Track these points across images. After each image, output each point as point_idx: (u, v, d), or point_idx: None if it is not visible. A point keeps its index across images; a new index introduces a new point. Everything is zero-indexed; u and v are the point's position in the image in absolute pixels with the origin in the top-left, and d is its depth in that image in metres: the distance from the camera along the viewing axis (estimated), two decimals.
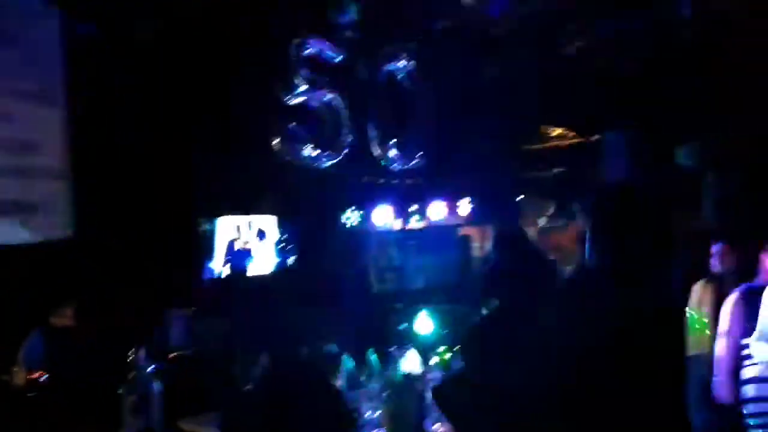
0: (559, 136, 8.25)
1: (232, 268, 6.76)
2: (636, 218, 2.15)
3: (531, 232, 9.24)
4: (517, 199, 9.10)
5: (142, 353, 2.51)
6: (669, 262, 2.29)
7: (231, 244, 6.81)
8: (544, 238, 9.97)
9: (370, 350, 3.15)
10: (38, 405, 3.79)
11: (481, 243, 9.27)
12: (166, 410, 2.60)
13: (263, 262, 7.06)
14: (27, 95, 3.02)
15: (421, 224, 8.63)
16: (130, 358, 2.53)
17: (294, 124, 4.12)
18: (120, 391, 2.50)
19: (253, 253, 6.98)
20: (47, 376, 3.85)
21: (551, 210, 9.72)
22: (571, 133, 8.08)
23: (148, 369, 2.57)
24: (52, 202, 3.06)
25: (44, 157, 3.07)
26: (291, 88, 4.05)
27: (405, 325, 4.48)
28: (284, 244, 7.19)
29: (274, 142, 4.04)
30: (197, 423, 3.51)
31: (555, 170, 9.23)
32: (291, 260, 7.22)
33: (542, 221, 9.82)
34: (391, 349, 3.20)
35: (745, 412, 3.63)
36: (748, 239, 3.92)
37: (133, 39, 3.69)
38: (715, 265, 4.25)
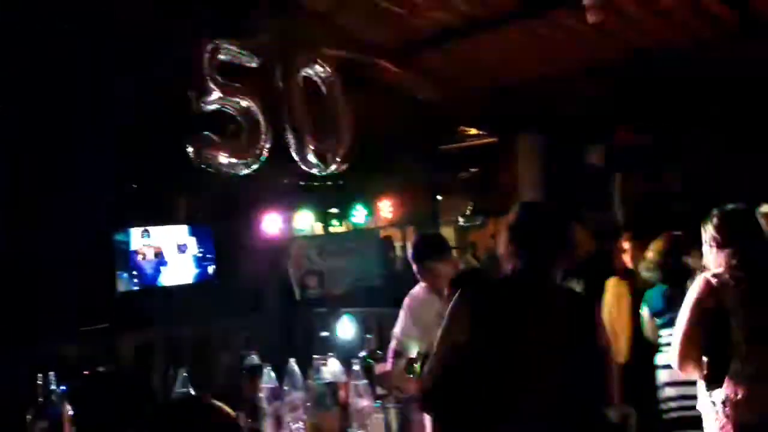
0: (474, 136, 8.40)
1: (147, 279, 6.57)
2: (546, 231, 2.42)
3: (449, 230, 9.41)
4: (437, 198, 9.24)
5: (51, 374, 2.40)
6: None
7: (145, 255, 6.61)
8: (463, 236, 10.17)
9: (292, 360, 3.10)
10: None
11: (401, 243, 9.35)
12: None
13: (180, 272, 6.88)
14: None
15: (342, 228, 8.63)
16: (39, 380, 2.41)
17: (209, 131, 4.03)
18: (27, 416, 2.38)
19: (169, 264, 6.79)
20: None
21: (468, 209, 9.92)
22: (485, 134, 8.25)
23: (59, 391, 2.45)
24: None
25: None
26: (205, 95, 3.96)
27: (327, 332, 4.46)
28: (201, 252, 7.03)
29: (189, 150, 3.93)
30: None
31: (471, 170, 9.40)
32: (209, 269, 7.08)
33: (460, 220, 10.01)
34: (314, 357, 3.17)
35: (662, 396, 3.80)
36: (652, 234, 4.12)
37: (44, 39, 3.53)
38: (627, 260, 4.44)
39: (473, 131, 8.32)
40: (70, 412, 2.43)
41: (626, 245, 4.47)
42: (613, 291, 4.32)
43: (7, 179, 3.92)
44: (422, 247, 3.58)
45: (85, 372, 4.45)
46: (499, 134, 7.88)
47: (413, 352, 3.36)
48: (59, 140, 4.26)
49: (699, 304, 2.98)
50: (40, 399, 2.35)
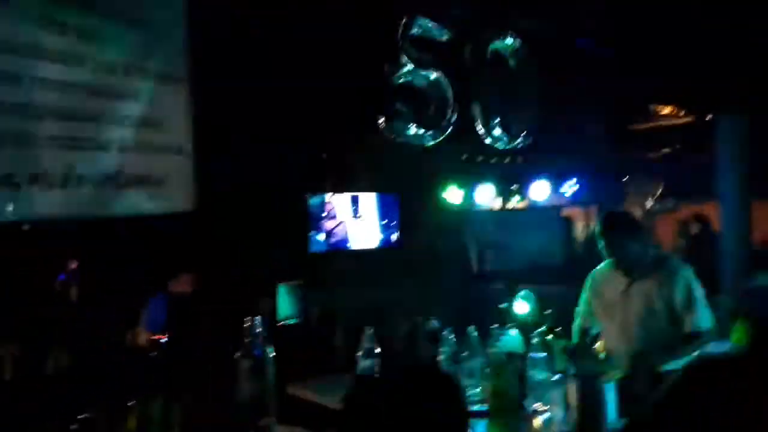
0: (669, 115, 7.95)
1: (335, 242, 6.95)
2: None
3: (637, 213, 9.00)
4: (623, 179, 8.87)
5: (257, 320, 2.65)
6: None
7: (335, 218, 6.99)
8: (650, 219, 9.69)
9: (471, 327, 3.19)
10: (158, 365, 4.07)
11: (584, 224, 9.10)
12: (277, 375, 2.73)
13: (365, 237, 7.21)
14: (153, 74, 3.20)
15: (522, 204, 8.55)
16: (246, 324, 2.67)
17: (399, 103, 4.17)
18: (236, 355, 2.64)
19: (355, 228, 7.14)
20: (167, 337, 4.13)
21: (659, 191, 9.42)
22: (682, 112, 7.77)
23: (262, 335, 2.70)
24: (174, 176, 3.24)
25: (168, 134, 3.25)
26: (397, 68, 4.10)
27: (505, 304, 4.49)
28: (386, 220, 7.30)
29: (379, 121, 4.11)
30: (303, 388, 3.69)
31: (664, 150, 8.91)
32: (392, 236, 7.34)
33: (649, 203, 9.54)
34: (492, 327, 3.23)
35: None
36: None
37: (250, 20, 3.83)
38: None
39: (667, 110, 7.86)
40: (272, 354, 2.66)
41: None
42: None
43: (226, 137, 4.32)
44: (613, 223, 3.53)
45: (279, 323, 4.87)
46: (696, 114, 7.39)
47: (595, 329, 3.32)
48: (269, 109, 4.61)
49: None
50: (247, 340, 2.60)
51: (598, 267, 3.70)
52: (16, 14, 2.62)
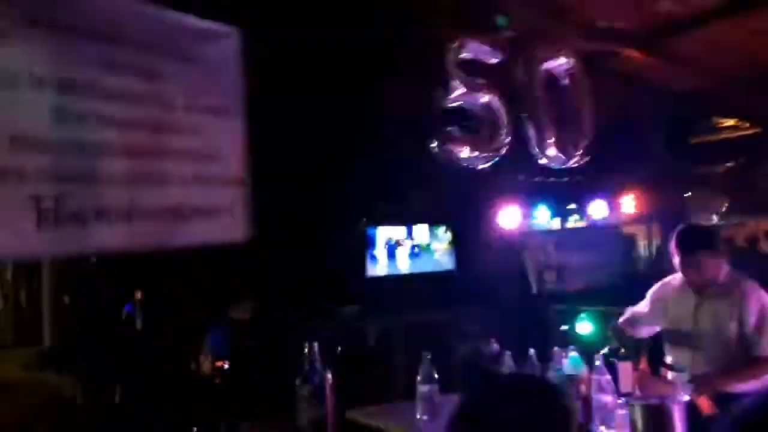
0: (731, 128, 7.73)
1: (393, 266, 6.97)
2: None
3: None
4: (686, 195, 8.63)
5: (315, 347, 2.68)
6: None
7: (391, 245, 7.02)
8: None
9: (531, 350, 3.15)
10: (222, 391, 4.14)
11: (645, 242, 8.88)
12: (336, 401, 2.75)
13: (422, 261, 7.21)
14: (210, 109, 3.28)
15: (581, 223, 8.41)
16: (305, 350, 2.70)
17: (451, 126, 4.18)
18: (296, 381, 2.67)
19: (413, 253, 7.15)
20: (230, 365, 4.20)
21: (723, 207, 9.12)
22: (746, 124, 7.54)
23: (321, 362, 2.73)
24: (231, 207, 3.31)
25: (224, 166, 3.32)
26: (448, 91, 4.12)
27: (566, 326, 4.41)
28: (443, 244, 7.29)
29: (433, 145, 4.12)
30: (364, 414, 3.69)
31: (727, 164, 8.65)
32: (450, 260, 7.31)
33: (714, 218, 9.24)
34: (553, 349, 3.17)
35: None
36: None
37: (301, 53, 3.93)
38: None
39: (729, 122, 7.65)
40: (330, 381, 2.69)
41: None
42: None
43: (282, 168, 4.41)
44: (692, 238, 3.39)
45: (339, 348, 4.88)
46: (761, 125, 7.16)
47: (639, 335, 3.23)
48: (323, 137, 4.70)
49: None
50: (306, 366, 2.63)
51: (666, 279, 3.59)
52: (78, 55, 2.73)
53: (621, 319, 3.63)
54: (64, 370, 4.41)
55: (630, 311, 3.66)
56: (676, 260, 3.38)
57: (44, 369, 4.47)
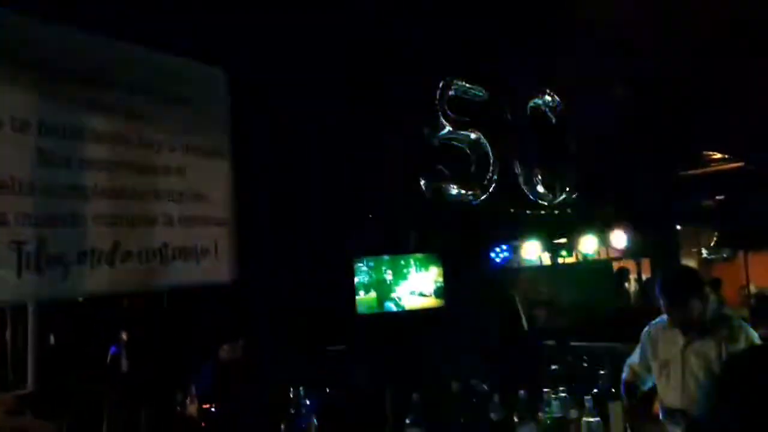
0: (720, 160, 7.78)
1: (380, 307, 6.93)
2: None
3: (690, 263, 8.74)
4: (675, 229, 8.66)
5: (300, 390, 2.64)
6: None
7: (382, 282, 7.00)
8: (706, 270, 9.39)
9: (522, 392, 3.10)
10: None
11: (635, 277, 8.87)
12: None
13: (409, 297, 7.17)
14: (196, 150, 3.29)
15: (571, 258, 8.41)
16: (291, 393, 2.66)
17: (440, 163, 4.20)
18: (281, 426, 2.63)
19: (398, 290, 7.12)
20: (216, 407, 4.12)
21: (713, 240, 9.15)
22: (734, 157, 7.60)
23: (307, 404, 2.69)
24: (216, 248, 3.30)
25: (210, 206, 3.32)
26: (436, 129, 4.15)
27: (556, 365, 4.36)
28: (432, 281, 7.26)
29: (421, 182, 4.14)
30: None
31: (716, 197, 8.69)
32: (439, 297, 7.27)
33: (704, 252, 9.27)
34: (545, 390, 3.13)
35: None
36: None
37: (288, 94, 3.94)
38: None
39: (717, 155, 7.71)
40: (316, 425, 2.64)
41: None
42: None
43: (267, 207, 4.41)
44: (679, 283, 3.38)
45: (327, 389, 4.82)
46: (748, 157, 7.21)
47: (646, 384, 3.20)
48: (309, 176, 4.70)
49: None
50: (291, 410, 2.59)
51: (654, 321, 3.58)
52: (64, 98, 2.73)
53: (624, 376, 3.59)
54: (45, 414, 4.33)
55: (628, 365, 3.63)
56: (661, 303, 3.37)
57: (26, 413, 4.39)
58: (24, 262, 2.47)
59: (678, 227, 8.70)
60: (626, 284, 8.79)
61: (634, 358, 3.58)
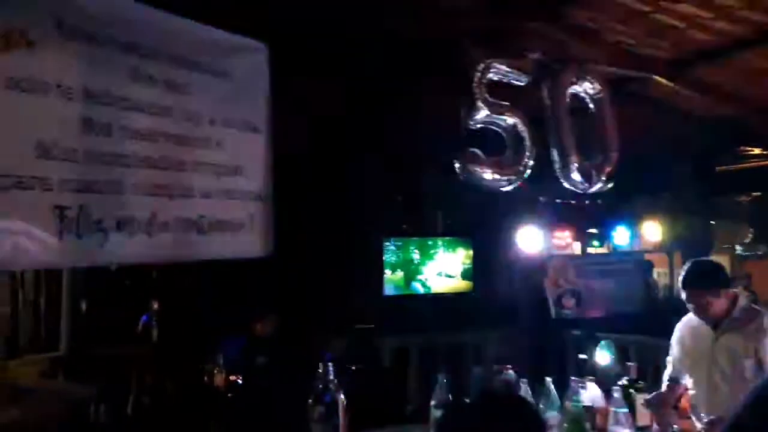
0: (758, 156, 7.63)
1: (407, 288, 6.94)
2: None
3: (724, 258, 8.61)
4: (710, 224, 8.52)
5: (329, 365, 2.66)
6: None
7: (409, 263, 7.00)
8: (739, 267, 9.24)
9: (549, 379, 3.09)
10: (234, 406, 4.13)
11: (667, 270, 8.76)
12: (348, 423, 2.72)
13: (439, 281, 7.17)
14: (235, 123, 3.31)
15: (603, 249, 8.33)
16: (319, 369, 2.68)
17: (475, 148, 4.16)
18: (309, 400, 2.65)
19: (429, 272, 7.12)
20: (243, 379, 4.18)
21: (748, 237, 8.99)
22: None
23: (335, 381, 2.70)
24: (254, 222, 3.33)
25: (247, 180, 3.34)
26: (473, 112, 4.10)
27: (584, 354, 4.34)
28: (460, 264, 7.25)
29: (456, 166, 4.10)
30: None
31: (753, 194, 8.54)
32: (467, 280, 7.26)
33: (738, 249, 9.12)
34: (572, 378, 3.12)
35: None
36: None
37: (327, 71, 3.94)
38: None
39: (757, 150, 7.55)
40: (343, 401, 2.66)
41: None
42: None
43: (298, 188, 4.42)
44: (694, 276, 3.33)
45: (352, 367, 4.86)
46: None
47: (684, 383, 3.18)
48: (343, 158, 4.71)
49: None
50: (319, 386, 2.60)
51: (686, 317, 3.53)
52: (107, 66, 2.76)
53: (665, 376, 3.56)
54: (78, 377, 4.43)
55: (669, 362, 3.59)
56: (683, 296, 3.33)
57: (58, 376, 4.49)
58: (65, 227, 2.52)
59: (712, 222, 8.57)
60: (657, 278, 8.69)
61: (672, 352, 3.55)
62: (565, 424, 2.84)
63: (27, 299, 4.93)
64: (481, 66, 4.03)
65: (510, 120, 4.18)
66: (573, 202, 7.46)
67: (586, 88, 4.43)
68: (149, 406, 4.42)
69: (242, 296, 4.85)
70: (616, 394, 2.88)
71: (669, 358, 3.57)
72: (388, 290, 6.75)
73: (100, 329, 4.96)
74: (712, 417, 2.98)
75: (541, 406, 3.02)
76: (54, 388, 4.43)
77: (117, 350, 4.69)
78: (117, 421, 4.28)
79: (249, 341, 4.54)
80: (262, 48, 3.41)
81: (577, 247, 8.48)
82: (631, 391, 3.17)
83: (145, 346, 4.71)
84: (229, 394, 4.15)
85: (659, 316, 5.90)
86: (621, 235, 8.01)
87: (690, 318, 3.47)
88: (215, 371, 4.30)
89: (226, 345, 4.50)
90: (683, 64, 5.18)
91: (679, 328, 3.53)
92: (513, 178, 4.24)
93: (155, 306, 4.77)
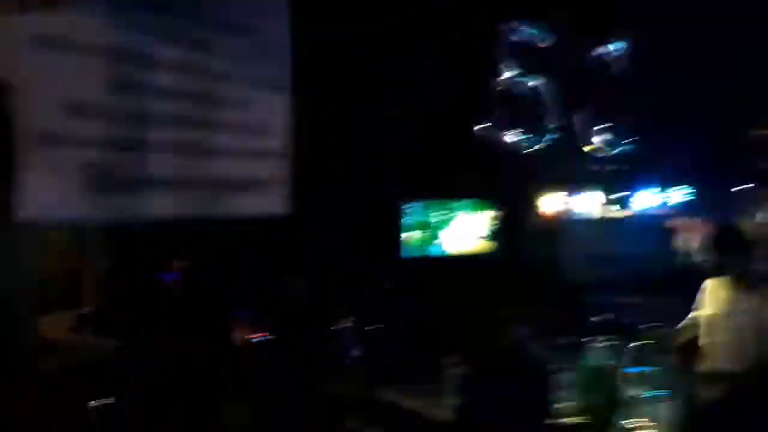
0: None
1: (426, 250, 6.95)
2: None
3: (750, 225, 8.52)
4: (738, 188, 8.40)
5: (350, 324, 2.72)
6: None
7: (428, 225, 7.00)
8: (761, 232, 9.13)
9: (565, 339, 3.13)
10: (255, 361, 4.20)
11: (689, 235, 8.68)
12: (367, 379, 2.78)
13: (460, 242, 7.17)
14: (259, 82, 3.31)
15: (625, 212, 8.27)
16: (337, 327, 2.73)
17: (499, 108, 4.16)
18: (328, 357, 2.71)
19: (449, 234, 7.12)
20: (266, 337, 4.25)
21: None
22: None
23: (354, 337, 2.76)
24: (275, 181, 3.36)
25: (270, 140, 3.36)
26: (499, 74, 4.10)
27: (600, 316, 4.36)
28: (481, 227, 7.23)
29: (480, 126, 4.11)
30: (392, 392, 3.71)
31: None
32: (489, 243, 7.26)
33: (762, 215, 8.97)
34: (586, 339, 3.16)
35: None
36: None
37: (353, 33, 3.92)
38: None
39: None
40: (358, 355, 2.71)
41: None
42: None
43: (322, 155, 4.43)
44: (725, 238, 3.44)
45: (374, 327, 4.91)
46: None
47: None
48: (363, 118, 4.69)
49: None
50: (341, 343, 2.66)
51: (709, 279, 3.60)
52: (133, 25, 2.78)
53: (684, 323, 3.65)
54: (102, 332, 4.53)
55: (689, 317, 3.67)
56: (713, 258, 3.42)
57: (83, 331, 4.60)
58: (91, 184, 2.56)
59: (738, 188, 8.46)
60: (678, 242, 8.62)
61: (694, 311, 3.64)
62: (578, 384, 2.89)
63: (55, 257, 5.02)
64: (507, 26, 4.00)
65: (534, 82, 4.17)
66: (598, 167, 7.39)
67: (611, 49, 4.39)
68: (174, 365, 4.52)
69: (264, 255, 4.90)
70: (629, 355, 2.92)
71: (690, 315, 3.64)
72: (407, 252, 6.77)
73: (124, 287, 5.05)
74: None
75: (554, 367, 3.06)
76: (82, 342, 4.55)
77: (140, 307, 4.78)
78: (142, 380, 4.38)
79: (269, 300, 4.60)
80: (285, 5, 3.39)
81: (600, 211, 8.42)
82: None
83: (168, 304, 4.79)
84: (251, 352, 4.23)
85: (680, 279, 5.87)
86: (644, 199, 7.95)
87: (713, 279, 3.54)
88: (239, 329, 4.38)
89: (249, 304, 4.56)
90: None
91: (702, 289, 3.60)
92: (536, 138, 4.24)
93: (178, 265, 4.84)
